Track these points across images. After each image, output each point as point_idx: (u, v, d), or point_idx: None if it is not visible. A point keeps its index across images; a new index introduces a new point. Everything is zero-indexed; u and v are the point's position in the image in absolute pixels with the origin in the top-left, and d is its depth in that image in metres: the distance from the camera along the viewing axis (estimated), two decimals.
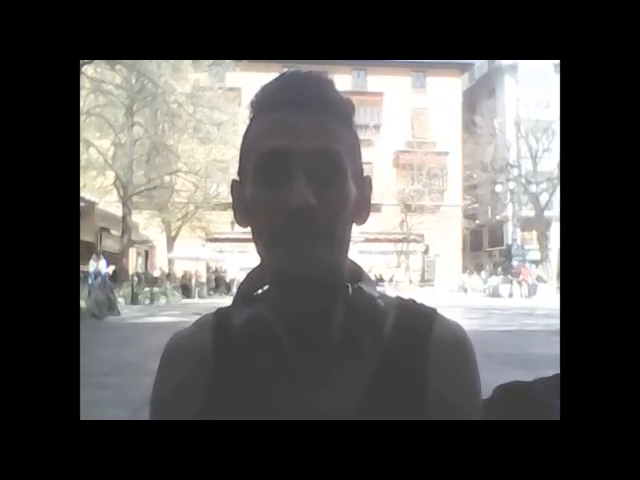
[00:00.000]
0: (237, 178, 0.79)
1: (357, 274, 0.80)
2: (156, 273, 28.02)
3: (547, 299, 23.07)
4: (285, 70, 0.78)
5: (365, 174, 0.80)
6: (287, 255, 0.71)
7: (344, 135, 0.75)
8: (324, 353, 0.75)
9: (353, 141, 0.77)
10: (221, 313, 0.82)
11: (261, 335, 0.74)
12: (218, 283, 30.42)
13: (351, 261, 0.80)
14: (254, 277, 0.82)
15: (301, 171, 0.70)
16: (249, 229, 0.77)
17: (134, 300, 20.59)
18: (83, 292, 14.52)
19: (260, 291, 0.81)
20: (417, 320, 0.79)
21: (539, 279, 28.29)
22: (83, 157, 20.50)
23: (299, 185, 0.69)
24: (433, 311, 0.81)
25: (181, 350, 0.80)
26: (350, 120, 0.77)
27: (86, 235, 20.46)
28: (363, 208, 0.78)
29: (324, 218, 0.70)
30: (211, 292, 29.43)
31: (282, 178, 0.71)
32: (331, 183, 0.72)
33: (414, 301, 0.82)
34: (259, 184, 0.72)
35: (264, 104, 0.75)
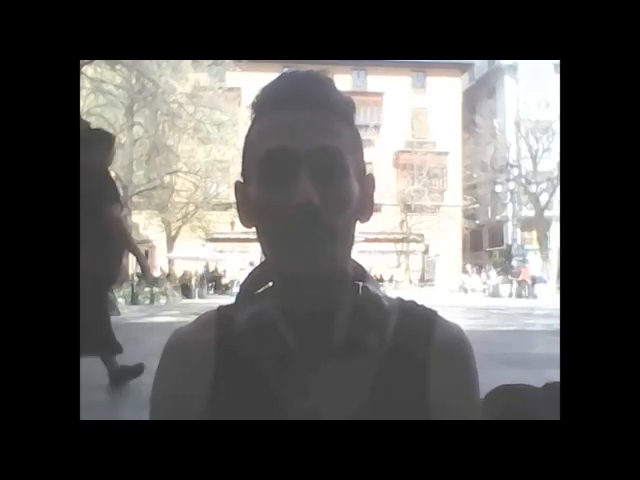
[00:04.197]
0: (240, 179, 0.80)
1: (360, 274, 0.80)
2: (156, 273, 28.00)
3: (547, 299, 23.07)
4: (285, 70, 0.78)
5: (368, 173, 0.80)
6: (292, 253, 0.71)
7: (345, 133, 0.75)
8: (328, 351, 0.75)
9: (354, 139, 0.77)
10: (223, 311, 0.83)
11: (265, 331, 0.74)
12: (217, 283, 30.40)
13: (354, 261, 0.80)
14: (257, 275, 0.82)
15: (303, 170, 0.70)
16: (250, 229, 0.78)
17: (134, 300, 20.55)
18: None
19: (263, 289, 0.81)
20: (419, 322, 0.79)
21: (539, 279, 28.26)
22: None
23: (302, 184, 0.70)
24: (434, 313, 0.81)
25: (183, 347, 0.80)
26: (351, 118, 0.77)
27: None
28: (367, 206, 0.79)
29: (327, 216, 0.71)
30: (210, 291, 29.42)
31: (285, 178, 0.71)
32: (333, 181, 0.72)
33: (415, 303, 0.83)
34: (262, 184, 0.73)
35: (265, 105, 0.76)
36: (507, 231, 36.44)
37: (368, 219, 0.80)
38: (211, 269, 31.46)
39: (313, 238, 0.70)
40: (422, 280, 36.64)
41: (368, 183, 0.79)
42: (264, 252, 0.76)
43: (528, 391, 1.10)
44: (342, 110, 0.76)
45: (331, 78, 0.77)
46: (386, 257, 35.86)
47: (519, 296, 26.30)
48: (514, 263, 29.53)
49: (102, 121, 22.50)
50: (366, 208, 0.79)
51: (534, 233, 34.75)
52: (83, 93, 18.98)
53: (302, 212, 0.69)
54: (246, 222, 0.79)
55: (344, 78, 34.95)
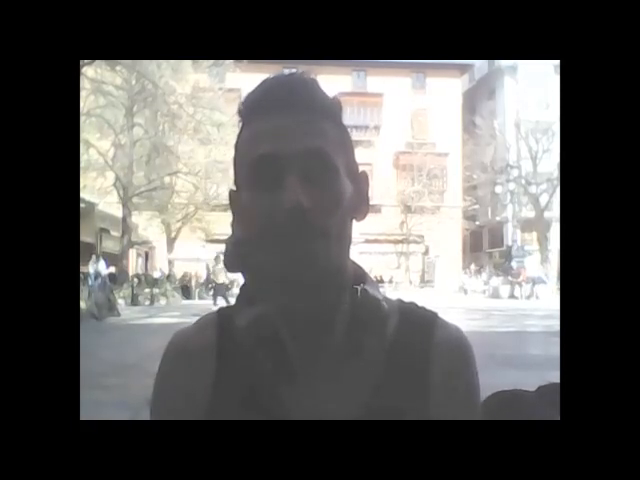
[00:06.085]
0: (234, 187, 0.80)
1: (360, 276, 0.79)
2: (156, 274, 27.97)
3: (547, 300, 23.06)
4: (285, 71, 0.78)
5: (360, 171, 0.79)
6: (286, 257, 0.71)
7: (331, 133, 0.74)
8: (327, 354, 0.75)
9: (342, 138, 0.77)
10: (224, 313, 0.82)
11: (265, 335, 0.74)
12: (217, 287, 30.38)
13: (353, 262, 0.80)
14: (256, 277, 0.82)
15: (291, 173, 0.70)
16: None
17: (134, 301, 20.57)
18: (83, 293, 14.50)
19: (263, 290, 0.81)
20: (419, 324, 0.79)
21: (539, 280, 28.24)
22: (83, 158, 20.48)
23: (290, 187, 0.70)
24: (434, 315, 0.81)
25: (184, 349, 0.80)
26: (337, 118, 0.77)
27: (86, 236, 20.43)
28: (361, 204, 0.78)
29: (319, 217, 0.71)
30: (210, 292, 29.37)
31: (274, 182, 0.71)
32: (322, 181, 0.72)
33: (415, 304, 0.82)
34: (252, 191, 0.73)
35: (250, 111, 0.76)
36: (507, 232, 36.43)
37: (364, 217, 0.79)
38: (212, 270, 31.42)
39: (305, 240, 0.70)
40: (422, 281, 36.64)
41: (361, 181, 0.79)
42: (260, 256, 0.76)
43: (526, 395, 1.10)
44: (327, 110, 0.75)
45: (314, 79, 0.76)
46: (386, 258, 35.84)
47: (515, 297, 26.30)
48: (514, 264, 29.52)
49: (102, 122, 22.54)
50: (361, 206, 0.78)
51: (534, 234, 34.75)
52: (83, 94, 18.99)
53: (292, 216, 0.69)
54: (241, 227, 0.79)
55: (344, 79, 34.93)
